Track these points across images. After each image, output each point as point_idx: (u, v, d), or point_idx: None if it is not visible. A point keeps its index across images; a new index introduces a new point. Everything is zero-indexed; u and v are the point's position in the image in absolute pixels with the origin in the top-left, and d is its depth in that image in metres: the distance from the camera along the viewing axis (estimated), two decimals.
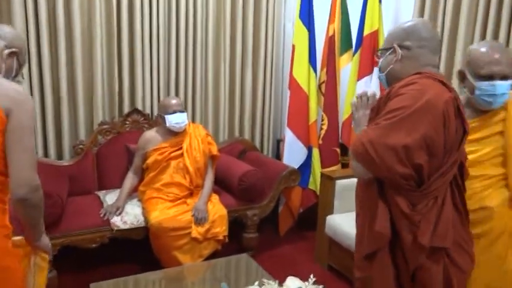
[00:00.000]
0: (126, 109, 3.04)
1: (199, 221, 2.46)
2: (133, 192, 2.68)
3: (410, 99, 1.19)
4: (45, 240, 1.45)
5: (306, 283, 1.29)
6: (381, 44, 3.02)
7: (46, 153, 2.86)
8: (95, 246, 2.42)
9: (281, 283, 1.28)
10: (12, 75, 1.35)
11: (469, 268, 1.36)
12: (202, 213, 2.49)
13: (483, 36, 2.46)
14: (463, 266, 1.32)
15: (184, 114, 2.61)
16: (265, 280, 1.26)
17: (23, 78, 1.45)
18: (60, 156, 2.90)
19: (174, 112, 2.56)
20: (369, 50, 3.07)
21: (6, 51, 1.30)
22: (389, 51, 1.37)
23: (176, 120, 2.57)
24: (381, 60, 1.41)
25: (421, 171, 1.19)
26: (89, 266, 2.66)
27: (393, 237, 1.26)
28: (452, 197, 1.28)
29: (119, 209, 2.50)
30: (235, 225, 2.79)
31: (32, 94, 2.73)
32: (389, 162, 1.17)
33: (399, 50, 1.32)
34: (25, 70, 2.65)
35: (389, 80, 1.38)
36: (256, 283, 1.27)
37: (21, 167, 1.19)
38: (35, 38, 2.69)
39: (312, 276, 1.30)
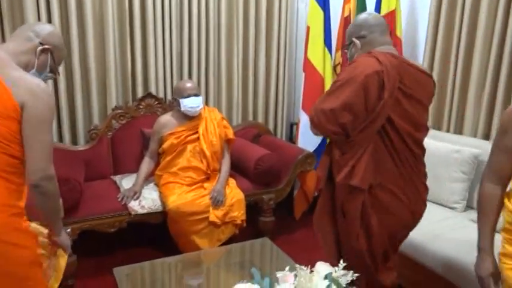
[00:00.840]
0: (140, 93, 3.01)
1: (216, 203, 2.45)
2: (150, 177, 2.67)
3: (343, 74, 1.54)
4: (65, 237, 1.47)
5: (336, 268, 1.28)
6: (398, 25, 2.96)
7: (61, 139, 2.85)
8: (114, 231, 2.42)
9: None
10: (46, 71, 1.40)
11: (397, 209, 1.60)
12: (220, 195, 2.48)
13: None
14: (388, 205, 1.59)
15: (200, 98, 2.57)
16: (297, 265, 1.24)
17: (59, 74, 1.51)
18: (75, 141, 2.90)
19: (189, 96, 2.53)
20: None
21: (40, 48, 1.34)
22: (351, 45, 1.67)
23: (191, 104, 2.53)
24: (348, 53, 1.70)
25: (346, 128, 1.52)
26: (108, 251, 2.67)
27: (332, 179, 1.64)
28: (384, 145, 1.55)
29: (136, 194, 2.49)
30: (251, 209, 2.78)
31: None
32: (322, 122, 1.55)
33: (357, 41, 1.63)
34: None
35: None
36: (287, 268, 1.26)
37: (35, 156, 1.25)
38: (47, 21, 2.65)
39: (341, 261, 1.28)
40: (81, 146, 2.84)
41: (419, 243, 2.13)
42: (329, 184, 1.69)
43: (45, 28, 1.39)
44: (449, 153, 2.50)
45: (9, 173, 1.24)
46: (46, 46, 1.36)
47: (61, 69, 2.71)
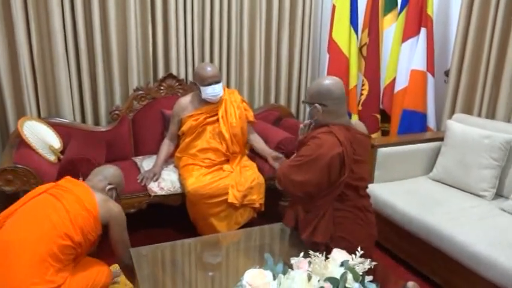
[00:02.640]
0: (161, 74, 2.99)
1: (278, 159, 2.59)
2: (170, 159, 2.67)
3: (310, 151, 1.75)
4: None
5: (353, 256, 1.23)
6: (430, 3, 2.80)
7: (83, 119, 2.88)
8: (133, 212, 2.44)
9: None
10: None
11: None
12: (277, 157, 2.61)
13: None
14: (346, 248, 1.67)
15: (220, 85, 2.52)
16: (311, 252, 1.20)
17: (120, 201, 2.01)
18: (97, 122, 2.92)
19: (210, 84, 2.48)
20: (416, 8, 2.84)
21: (108, 187, 1.86)
22: (313, 107, 1.81)
23: (212, 92, 2.50)
24: (309, 112, 1.87)
25: (311, 194, 1.77)
26: (128, 231, 2.70)
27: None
28: (341, 202, 1.78)
29: (155, 175, 2.49)
30: (271, 193, 2.74)
31: (68, 62, 2.72)
32: (291, 189, 1.82)
33: (319, 107, 1.79)
34: (60, 35, 2.64)
35: (317, 125, 1.85)
36: (302, 254, 1.22)
37: (119, 251, 1.83)
38: (70, 6, 2.65)
39: (359, 248, 1.23)
40: (103, 127, 2.86)
41: (442, 231, 2.05)
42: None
43: (109, 172, 1.91)
44: (479, 138, 2.38)
45: (62, 255, 1.57)
46: (112, 186, 1.88)
47: (83, 50, 2.73)
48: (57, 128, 2.64)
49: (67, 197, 1.66)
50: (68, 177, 1.80)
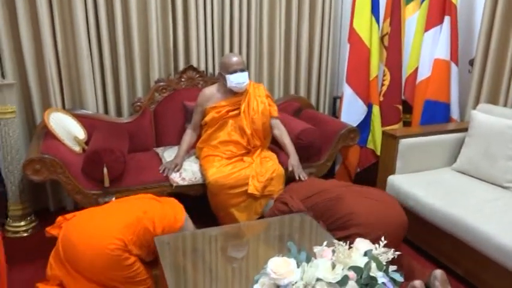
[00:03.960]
0: (181, 66, 3.01)
1: (299, 174, 2.51)
2: (191, 149, 2.70)
3: None
4: None
5: (377, 245, 1.23)
6: None
7: (106, 111, 2.93)
8: None
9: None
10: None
11: None
12: (298, 166, 2.55)
13: None
14: None
15: (245, 73, 2.52)
16: (335, 241, 1.20)
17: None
18: (119, 113, 2.97)
19: (235, 71, 2.48)
20: None
21: None
22: None
23: (237, 80, 2.49)
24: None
25: None
26: None
27: None
28: None
29: (177, 166, 2.52)
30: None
31: (91, 54, 2.77)
32: None
33: None
34: (84, 30, 2.69)
35: None
36: (325, 243, 1.22)
37: None
38: (92, 1, 2.69)
39: (383, 238, 1.23)
40: (125, 119, 2.91)
41: (466, 223, 2.02)
42: None
43: None
44: (505, 128, 2.33)
45: (141, 232, 1.84)
46: None
47: (105, 44, 2.78)
48: (81, 119, 2.69)
49: (166, 204, 2.03)
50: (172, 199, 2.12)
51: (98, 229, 1.80)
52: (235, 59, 2.51)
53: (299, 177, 2.51)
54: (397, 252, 1.22)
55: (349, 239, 1.77)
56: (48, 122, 2.43)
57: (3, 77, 2.57)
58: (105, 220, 1.85)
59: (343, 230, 1.90)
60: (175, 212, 1.97)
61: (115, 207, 1.96)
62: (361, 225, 1.88)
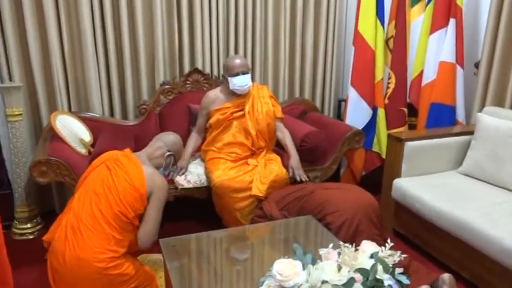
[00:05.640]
0: (187, 69, 3.03)
1: (298, 176, 2.50)
2: (196, 152, 2.70)
3: None
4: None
5: (383, 248, 1.22)
6: None
7: (112, 113, 2.95)
8: None
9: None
10: (169, 168, 2.10)
11: None
12: (298, 168, 2.53)
13: None
14: None
15: (248, 76, 2.53)
16: (341, 243, 1.20)
17: (176, 167, 2.39)
18: (125, 116, 2.98)
19: (237, 74, 2.49)
20: None
21: (167, 153, 2.01)
22: None
23: (239, 83, 2.51)
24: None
25: None
26: None
27: None
28: None
29: (182, 169, 2.53)
30: None
31: (97, 57, 2.79)
32: None
33: None
34: (90, 34, 2.71)
35: None
36: (331, 245, 1.22)
37: (143, 231, 1.83)
38: (98, 5, 2.72)
39: (389, 241, 1.22)
40: (131, 121, 2.92)
41: (473, 226, 2.01)
42: None
43: (170, 139, 2.05)
44: (511, 131, 2.32)
45: (120, 228, 1.73)
46: (171, 152, 2.02)
47: (111, 47, 2.79)
48: (87, 121, 2.71)
49: (119, 174, 1.79)
50: (127, 150, 1.94)
51: (79, 257, 1.68)
52: (237, 61, 2.51)
53: (300, 179, 2.50)
54: (404, 255, 1.22)
55: (328, 229, 1.94)
56: (55, 124, 2.44)
57: (10, 79, 2.60)
58: (80, 242, 1.70)
59: (319, 221, 2.01)
60: (131, 179, 1.78)
61: (81, 219, 1.73)
62: (334, 213, 2.01)
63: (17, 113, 2.48)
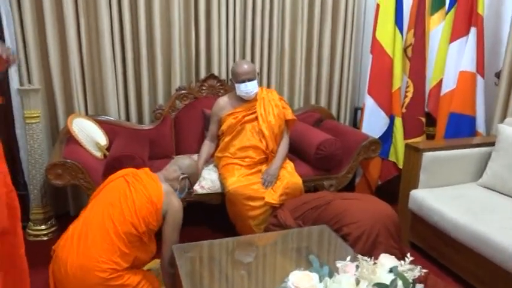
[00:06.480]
0: (203, 74, 3.03)
1: (266, 183, 2.44)
2: (210, 158, 2.69)
3: None
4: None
5: (402, 262, 1.18)
6: (480, 1, 2.68)
7: (128, 117, 2.96)
8: None
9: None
10: (185, 191, 2.06)
11: None
12: (271, 177, 2.46)
13: None
14: None
15: (254, 82, 2.52)
16: (359, 256, 1.16)
17: (193, 190, 2.30)
18: (140, 120, 2.99)
19: (243, 81, 2.50)
20: (466, 7, 2.73)
21: (181, 176, 2.00)
22: None
23: (245, 90, 2.52)
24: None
25: None
26: None
27: None
28: None
29: None
30: None
31: (114, 62, 2.81)
32: None
33: None
34: (108, 38, 2.73)
35: None
36: (348, 258, 1.19)
37: (163, 251, 1.85)
38: (117, 10, 2.74)
39: (408, 255, 1.19)
40: (146, 125, 2.92)
41: (493, 240, 1.95)
42: None
43: (184, 162, 2.05)
44: None
45: (127, 241, 1.72)
46: (185, 175, 2.02)
47: (129, 52, 2.81)
48: (103, 125, 2.72)
49: (137, 187, 1.81)
50: (146, 169, 1.98)
51: (81, 266, 1.68)
52: (243, 68, 2.50)
53: (266, 184, 2.44)
54: (424, 270, 1.18)
55: (344, 240, 1.88)
56: (71, 127, 2.46)
57: (29, 82, 2.63)
58: (86, 250, 1.70)
59: (336, 233, 1.95)
60: (149, 193, 1.80)
61: (91, 226, 1.75)
62: (351, 224, 1.95)
63: (35, 115, 2.51)
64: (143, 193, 1.79)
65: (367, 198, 2.27)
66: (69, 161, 2.21)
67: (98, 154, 2.51)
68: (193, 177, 2.11)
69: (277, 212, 2.30)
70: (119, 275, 1.70)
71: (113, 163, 2.30)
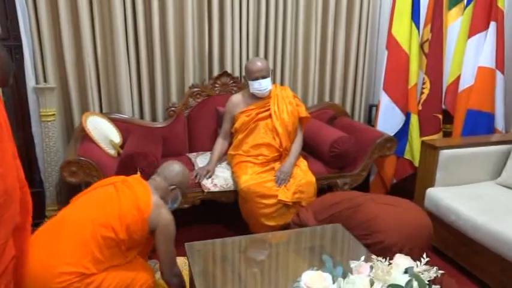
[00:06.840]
0: (216, 72, 3.02)
1: (279, 181, 2.42)
2: (223, 156, 2.68)
3: None
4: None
5: (418, 263, 1.16)
6: None
7: (142, 115, 2.97)
8: (187, 207, 2.48)
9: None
10: (177, 201, 1.93)
11: None
12: (285, 174, 2.44)
13: None
14: None
15: (267, 80, 2.51)
16: (373, 256, 1.14)
17: (184, 195, 2.08)
18: (154, 118, 3.00)
19: (257, 79, 2.48)
20: (485, 1, 2.66)
21: (170, 188, 1.84)
22: None
23: (258, 87, 2.50)
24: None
25: None
26: (182, 226, 2.74)
27: None
28: None
29: (209, 172, 2.52)
30: (324, 193, 2.67)
31: (128, 60, 2.82)
32: None
33: None
34: (122, 37, 2.74)
35: None
36: (362, 258, 1.17)
37: (164, 261, 1.76)
38: (131, 9, 2.74)
39: (424, 255, 1.16)
40: (160, 123, 2.93)
41: (510, 239, 1.90)
42: None
43: (170, 171, 1.87)
44: None
45: (103, 246, 1.56)
46: (174, 186, 1.86)
47: (143, 50, 2.81)
48: (117, 123, 2.74)
49: (126, 192, 1.68)
50: (137, 176, 1.86)
51: (44, 264, 1.51)
52: (257, 66, 2.49)
53: (279, 182, 2.42)
54: (440, 271, 1.15)
55: (371, 247, 1.73)
56: (86, 125, 2.48)
57: (45, 81, 2.66)
58: (54, 247, 1.55)
59: (364, 239, 1.82)
60: (138, 200, 1.66)
61: (66, 223, 1.62)
62: (382, 232, 1.80)
63: (50, 113, 2.54)
64: (131, 199, 1.66)
65: (402, 204, 2.03)
66: (83, 158, 2.23)
67: (112, 152, 2.53)
68: (183, 184, 1.93)
69: (300, 210, 2.22)
70: (86, 283, 1.52)
71: (126, 161, 2.31)
